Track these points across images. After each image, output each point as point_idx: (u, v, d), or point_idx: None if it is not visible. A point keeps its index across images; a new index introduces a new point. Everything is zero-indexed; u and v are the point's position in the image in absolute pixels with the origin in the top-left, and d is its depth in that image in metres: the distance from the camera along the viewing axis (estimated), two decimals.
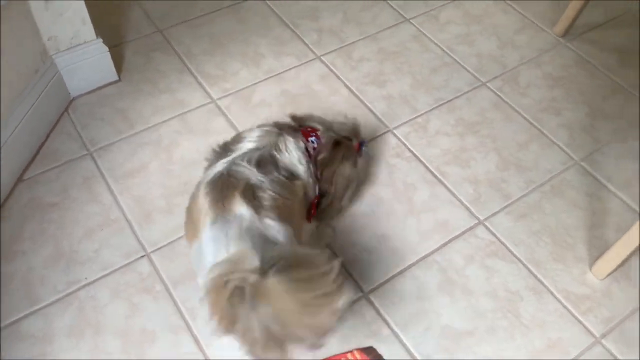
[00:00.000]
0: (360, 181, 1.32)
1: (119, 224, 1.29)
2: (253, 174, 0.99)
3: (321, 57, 1.67)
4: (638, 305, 1.23)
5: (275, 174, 1.02)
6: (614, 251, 1.22)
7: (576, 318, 1.20)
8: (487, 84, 1.64)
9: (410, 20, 1.80)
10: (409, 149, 1.47)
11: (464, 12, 1.84)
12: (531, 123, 1.55)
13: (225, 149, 1.09)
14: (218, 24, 1.73)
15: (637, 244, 1.16)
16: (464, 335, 1.17)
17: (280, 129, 1.12)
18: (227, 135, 1.44)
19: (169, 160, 1.41)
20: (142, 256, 1.25)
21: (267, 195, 0.97)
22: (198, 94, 1.55)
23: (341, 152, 1.18)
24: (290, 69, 1.63)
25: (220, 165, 1.03)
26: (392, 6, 1.83)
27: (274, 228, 0.94)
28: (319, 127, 1.17)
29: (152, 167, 1.40)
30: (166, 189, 1.36)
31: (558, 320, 1.20)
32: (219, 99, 1.54)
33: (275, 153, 1.06)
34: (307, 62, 1.65)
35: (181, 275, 1.22)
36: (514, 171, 1.44)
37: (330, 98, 1.57)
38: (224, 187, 0.97)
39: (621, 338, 1.18)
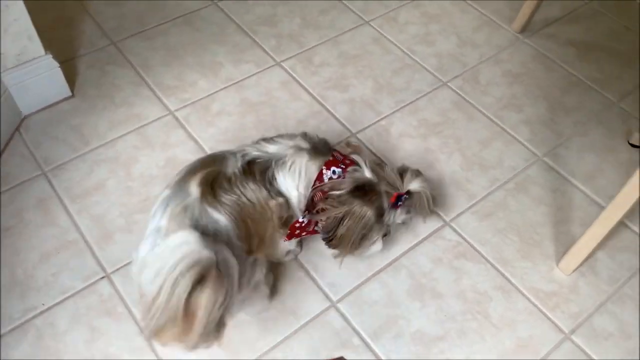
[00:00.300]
0: (386, 234, 1.16)
1: (77, 246, 1.25)
2: (234, 168, 1.00)
3: (281, 63, 1.65)
4: (605, 299, 1.23)
5: (257, 184, 1.00)
6: (579, 246, 1.22)
7: (545, 315, 1.20)
8: (448, 84, 1.64)
9: (370, 23, 1.79)
10: (374, 154, 1.46)
11: (423, 12, 1.84)
12: (493, 121, 1.55)
13: (255, 143, 1.09)
14: (174, 35, 1.69)
15: (601, 237, 1.17)
16: (435, 340, 1.16)
17: (313, 146, 1.08)
18: (187, 147, 1.42)
19: (128, 177, 1.37)
20: (102, 277, 1.20)
21: (231, 192, 0.97)
22: (155, 106, 1.51)
23: (362, 197, 1.05)
24: (249, 76, 1.60)
25: (226, 153, 1.05)
26: (350, 9, 1.82)
27: (216, 219, 0.93)
28: (358, 161, 1.09)
29: (110, 185, 1.35)
30: (125, 207, 1.32)
31: (527, 318, 1.20)
32: (177, 110, 1.51)
33: (277, 167, 1.04)
34: (266, 68, 1.63)
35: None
36: (477, 170, 1.44)
37: (291, 104, 1.55)
38: (200, 167, 1.00)
39: (590, 333, 1.18)
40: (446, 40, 1.76)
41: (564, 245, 1.30)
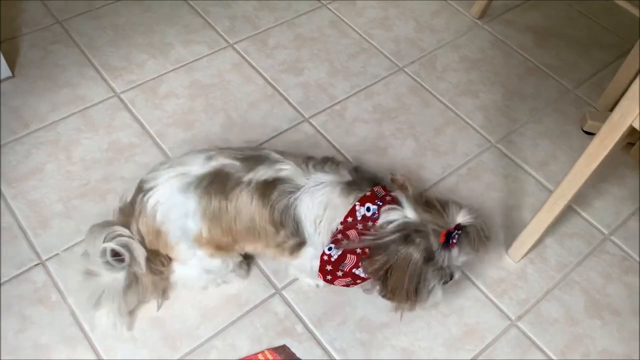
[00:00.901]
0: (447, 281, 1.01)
1: (11, 232, 1.19)
2: (252, 177, 1.00)
3: (234, 45, 1.60)
4: (552, 286, 1.22)
5: (262, 202, 0.99)
6: (526, 232, 1.21)
7: (492, 302, 1.19)
8: (405, 69, 1.61)
9: (327, 5, 1.75)
10: (326, 139, 1.43)
11: None
12: (448, 107, 1.53)
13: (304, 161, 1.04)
14: (122, 14, 1.63)
15: (548, 224, 1.16)
16: (380, 327, 1.13)
17: (352, 180, 1.00)
18: (132, 131, 1.37)
19: (68, 161, 1.32)
20: (37, 264, 1.15)
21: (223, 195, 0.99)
22: (101, 88, 1.46)
23: (405, 241, 0.93)
24: (200, 57, 1.56)
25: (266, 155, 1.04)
26: None
27: (188, 210, 1.00)
28: (401, 200, 0.97)
29: (49, 169, 1.30)
30: (64, 192, 1.26)
31: (475, 305, 1.18)
32: (123, 92, 1.45)
33: (303, 194, 0.99)
34: (218, 50, 1.58)
35: (79, 283, 1.13)
36: (431, 156, 1.42)
37: (243, 87, 1.51)
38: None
39: (536, 319, 1.17)
40: (404, 24, 1.73)
41: (513, 232, 1.28)
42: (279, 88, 1.52)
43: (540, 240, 1.27)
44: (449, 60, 1.64)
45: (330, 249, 0.99)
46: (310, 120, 1.46)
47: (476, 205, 1.33)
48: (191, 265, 1.07)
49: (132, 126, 1.38)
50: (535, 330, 1.16)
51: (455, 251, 0.96)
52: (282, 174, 1.00)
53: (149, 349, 1.07)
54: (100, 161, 1.32)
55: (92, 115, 1.40)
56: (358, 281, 1.03)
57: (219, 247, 1.05)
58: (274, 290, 1.17)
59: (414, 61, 1.63)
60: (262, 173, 1.00)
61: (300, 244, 1.03)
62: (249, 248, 1.08)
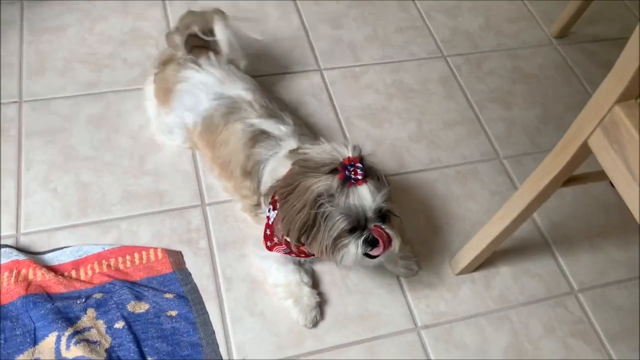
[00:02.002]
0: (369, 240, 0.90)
1: (9, 69, 1.29)
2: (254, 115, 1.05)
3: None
4: (482, 312, 1.09)
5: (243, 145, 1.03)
6: (469, 245, 1.09)
7: (406, 300, 1.09)
8: (447, 58, 1.51)
9: None
10: (328, 93, 1.39)
11: None
12: (471, 106, 1.42)
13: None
14: None
15: (491, 239, 1.03)
16: None
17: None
18: (155, 24, 1.42)
19: (89, 30, 1.40)
20: (15, 102, 1.25)
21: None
22: None
23: (305, 174, 0.89)
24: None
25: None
26: None
27: (199, 104, 1.10)
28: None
29: (70, 32, 1.39)
30: (71, 54, 1.35)
31: (386, 295, 1.09)
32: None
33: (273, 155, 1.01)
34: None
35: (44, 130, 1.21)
36: (424, 145, 1.33)
37: (279, 22, 1.50)
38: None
39: (443, 336, 1.05)
40: (472, 18, 1.62)
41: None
42: (310, 34, 1.49)
43: (493, 265, 1.14)
44: (498, 66, 1.52)
45: (269, 210, 0.97)
46: (324, 72, 1.43)
47: (446, 207, 1.23)
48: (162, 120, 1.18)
49: (161, 22, 1.44)
50: (436, 345, 1.04)
51: (364, 190, 0.87)
52: (277, 132, 1.02)
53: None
54: (115, 39, 1.39)
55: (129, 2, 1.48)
56: (294, 249, 0.98)
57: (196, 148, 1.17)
58: (199, 203, 1.16)
59: (461, 54, 1.53)
60: (267, 125, 1.02)
61: (259, 204, 1.04)
62: (223, 183, 1.14)
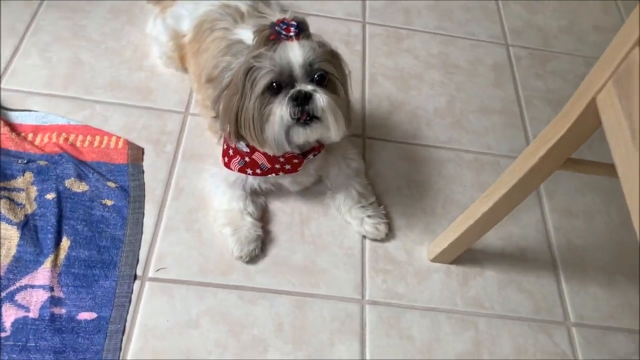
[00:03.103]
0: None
1: None
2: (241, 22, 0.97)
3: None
4: (444, 308, 0.92)
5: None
6: (446, 231, 0.93)
7: (362, 268, 0.95)
8: (510, 47, 1.35)
9: None
10: (363, 44, 1.27)
11: None
12: (518, 101, 1.24)
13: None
14: None
15: (467, 226, 0.87)
16: None
17: None
18: None
19: None
20: None
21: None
22: None
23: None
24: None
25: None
26: None
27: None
28: None
29: None
30: None
31: (341, 255, 0.95)
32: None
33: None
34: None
35: None
36: (448, 123, 1.17)
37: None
38: None
39: (388, 319, 0.90)
40: (553, 17, 1.44)
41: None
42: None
43: (479, 265, 0.98)
44: (565, 69, 1.33)
45: None
46: (366, 25, 1.31)
47: (449, 193, 1.07)
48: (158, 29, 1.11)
49: None
50: (377, 324, 0.89)
51: (293, 45, 0.77)
52: (249, 41, 0.90)
53: None
54: None
55: None
56: (246, 159, 0.89)
57: (182, 59, 1.07)
58: (183, 110, 1.09)
59: (526, 47, 1.35)
60: (246, 35, 0.91)
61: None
62: (195, 96, 1.07)
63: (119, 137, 1.02)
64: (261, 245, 0.93)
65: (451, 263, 0.97)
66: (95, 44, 1.15)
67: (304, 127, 0.80)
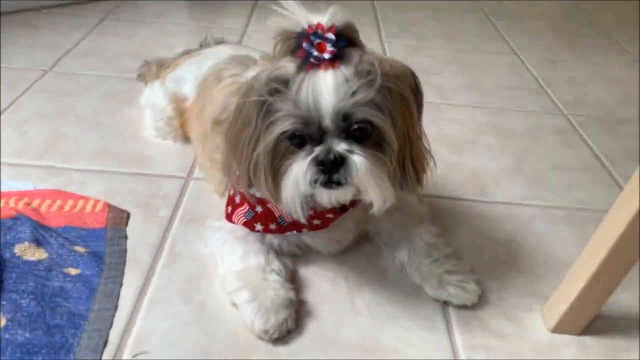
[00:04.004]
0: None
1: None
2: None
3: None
4: None
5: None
6: (559, 290, 0.63)
7: (453, 345, 0.62)
8: (568, 115, 1.16)
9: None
10: None
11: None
12: (598, 159, 1.01)
13: None
14: None
15: (585, 281, 0.58)
16: None
17: None
18: None
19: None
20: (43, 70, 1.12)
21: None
22: None
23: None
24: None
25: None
26: None
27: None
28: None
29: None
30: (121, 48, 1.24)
31: (417, 329, 0.63)
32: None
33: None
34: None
35: None
36: (521, 181, 0.93)
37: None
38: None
39: None
40: (606, 90, 1.29)
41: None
42: None
43: (625, 335, 0.65)
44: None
45: None
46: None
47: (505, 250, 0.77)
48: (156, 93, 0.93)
49: None
50: None
51: (327, 77, 0.52)
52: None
53: None
54: None
55: None
56: (258, 208, 0.65)
57: (183, 125, 0.89)
58: (185, 175, 0.86)
59: (584, 115, 1.17)
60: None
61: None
62: (200, 159, 0.84)
63: (97, 200, 0.77)
64: (294, 315, 0.62)
65: (582, 334, 0.64)
66: (83, 120, 0.97)
67: (330, 188, 0.55)
